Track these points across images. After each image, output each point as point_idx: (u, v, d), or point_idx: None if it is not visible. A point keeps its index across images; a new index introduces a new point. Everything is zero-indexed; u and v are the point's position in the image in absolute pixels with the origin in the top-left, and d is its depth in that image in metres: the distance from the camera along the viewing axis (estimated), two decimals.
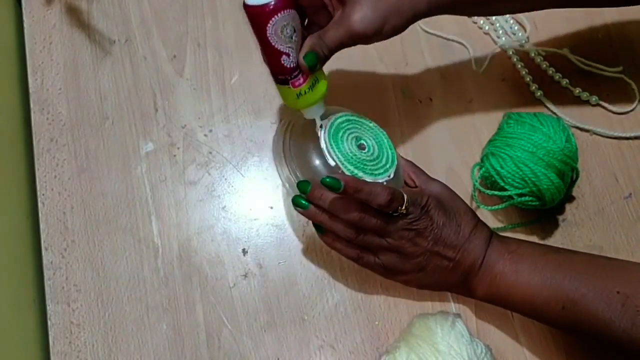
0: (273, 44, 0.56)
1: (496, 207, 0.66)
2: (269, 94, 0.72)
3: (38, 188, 0.68)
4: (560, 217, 0.69)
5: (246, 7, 0.55)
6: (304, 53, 0.56)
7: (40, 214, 0.68)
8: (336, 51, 0.57)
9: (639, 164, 0.71)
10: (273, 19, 0.55)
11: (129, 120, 0.71)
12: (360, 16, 0.55)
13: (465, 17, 0.76)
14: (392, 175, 0.61)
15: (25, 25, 0.74)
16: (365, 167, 0.60)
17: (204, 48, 0.74)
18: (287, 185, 0.62)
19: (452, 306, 0.66)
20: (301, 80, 0.58)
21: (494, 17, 0.75)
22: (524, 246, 0.61)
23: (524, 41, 0.75)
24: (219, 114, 0.72)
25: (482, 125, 0.72)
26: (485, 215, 0.69)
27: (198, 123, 0.71)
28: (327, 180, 0.56)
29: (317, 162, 0.60)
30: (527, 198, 0.63)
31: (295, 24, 0.56)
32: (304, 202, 0.60)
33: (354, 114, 0.64)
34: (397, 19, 0.56)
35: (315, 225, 0.62)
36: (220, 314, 0.65)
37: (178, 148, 0.70)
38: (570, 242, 0.68)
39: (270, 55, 0.57)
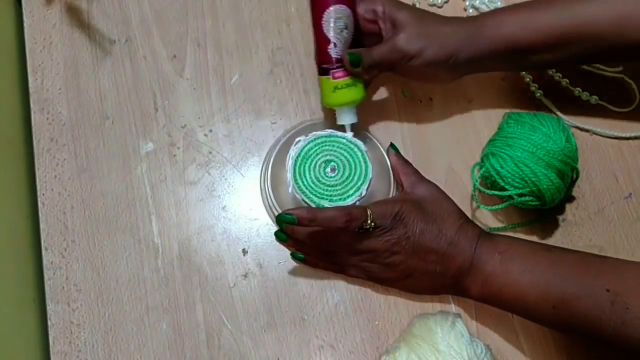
0: (325, 30, 0.63)
1: (496, 207, 0.65)
2: (269, 94, 0.72)
3: (38, 188, 0.68)
4: (560, 217, 0.69)
5: None
6: (350, 52, 0.62)
7: (40, 214, 0.68)
8: (379, 64, 0.63)
9: (639, 164, 0.71)
10: (330, 8, 0.63)
11: (129, 120, 0.71)
12: (404, 36, 0.62)
13: (463, 13, 0.76)
14: (363, 193, 0.63)
15: (25, 25, 0.74)
16: (333, 193, 0.63)
17: (204, 48, 0.74)
18: (269, 214, 0.68)
19: (452, 306, 0.66)
20: (341, 73, 0.63)
21: None
22: (515, 245, 0.60)
23: None
24: (219, 113, 0.72)
25: (482, 125, 0.72)
26: (486, 215, 0.69)
27: (198, 123, 0.71)
28: (281, 217, 0.58)
29: (288, 195, 0.64)
30: (527, 198, 0.63)
31: (348, 22, 0.63)
32: (284, 235, 0.64)
33: (326, 131, 0.65)
34: (439, 48, 0.62)
35: (291, 254, 0.66)
36: (220, 313, 0.65)
37: (178, 148, 0.70)
38: (570, 242, 0.68)
39: (320, 41, 0.64)
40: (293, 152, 0.64)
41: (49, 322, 0.64)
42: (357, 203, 0.62)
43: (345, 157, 0.64)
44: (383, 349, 0.64)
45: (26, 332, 0.64)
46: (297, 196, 0.63)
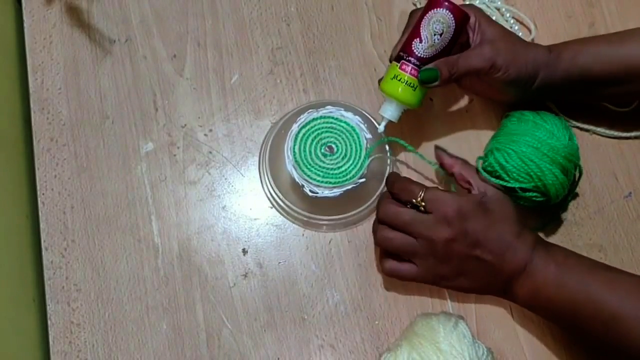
0: (421, 26, 0.62)
1: None
2: (269, 94, 0.72)
3: (38, 188, 0.68)
4: (560, 217, 0.69)
5: None
6: (430, 66, 0.62)
7: (40, 214, 0.68)
8: (464, 71, 0.62)
9: (639, 164, 0.71)
10: (438, 9, 0.62)
11: (129, 119, 0.71)
12: (495, 48, 0.62)
13: None
14: (364, 172, 0.64)
15: (25, 25, 0.74)
16: (329, 175, 0.64)
17: (204, 48, 0.74)
18: (269, 195, 0.68)
19: (450, 305, 0.66)
20: (409, 69, 0.62)
21: (494, 17, 0.75)
22: (572, 259, 0.60)
23: None
24: (219, 113, 0.72)
25: (482, 125, 0.72)
26: None
27: (198, 123, 0.71)
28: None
29: (286, 170, 0.64)
30: (532, 193, 0.63)
31: (445, 31, 0.62)
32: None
33: (325, 112, 0.66)
34: (523, 67, 0.63)
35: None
36: (220, 313, 0.65)
37: (178, 148, 0.70)
38: (570, 241, 0.68)
39: (411, 33, 0.63)
40: (295, 126, 0.65)
41: (49, 322, 0.65)
42: (355, 185, 0.64)
43: (344, 139, 0.65)
44: (383, 348, 0.64)
45: (26, 332, 0.64)
46: (294, 172, 0.63)
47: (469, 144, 0.71)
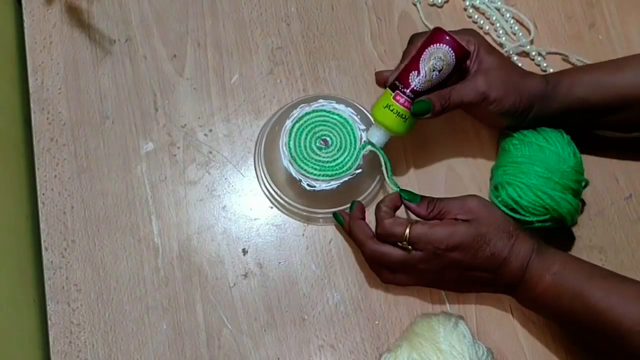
0: (420, 58, 0.61)
1: None
2: (269, 94, 0.72)
3: (38, 188, 0.68)
4: None
5: (439, 29, 0.62)
6: (423, 99, 0.61)
7: (40, 214, 0.68)
8: (458, 104, 0.62)
9: (639, 165, 0.71)
10: (440, 45, 0.61)
11: (129, 120, 0.71)
12: (489, 80, 0.62)
13: (463, 13, 0.76)
14: (360, 162, 0.64)
15: (25, 25, 0.74)
16: (325, 168, 0.64)
17: (204, 48, 0.74)
18: (261, 188, 0.69)
19: (450, 306, 0.66)
20: (403, 100, 0.62)
21: (494, 17, 0.75)
22: (569, 268, 0.58)
23: (527, 46, 0.74)
24: (219, 113, 0.72)
25: (482, 125, 0.72)
26: None
27: (198, 122, 0.71)
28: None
29: (281, 166, 0.65)
30: (548, 223, 0.62)
31: (445, 68, 0.61)
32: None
33: (318, 106, 0.66)
34: (518, 99, 0.62)
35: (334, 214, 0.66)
36: (220, 313, 0.65)
37: (178, 148, 0.70)
38: (570, 242, 0.68)
39: (410, 63, 0.62)
40: (288, 122, 0.65)
41: (49, 322, 0.65)
42: (353, 176, 0.64)
43: (339, 132, 0.66)
44: (383, 348, 0.64)
45: (26, 331, 0.64)
46: (290, 167, 0.64)
47: (470, 143, 0.71)
